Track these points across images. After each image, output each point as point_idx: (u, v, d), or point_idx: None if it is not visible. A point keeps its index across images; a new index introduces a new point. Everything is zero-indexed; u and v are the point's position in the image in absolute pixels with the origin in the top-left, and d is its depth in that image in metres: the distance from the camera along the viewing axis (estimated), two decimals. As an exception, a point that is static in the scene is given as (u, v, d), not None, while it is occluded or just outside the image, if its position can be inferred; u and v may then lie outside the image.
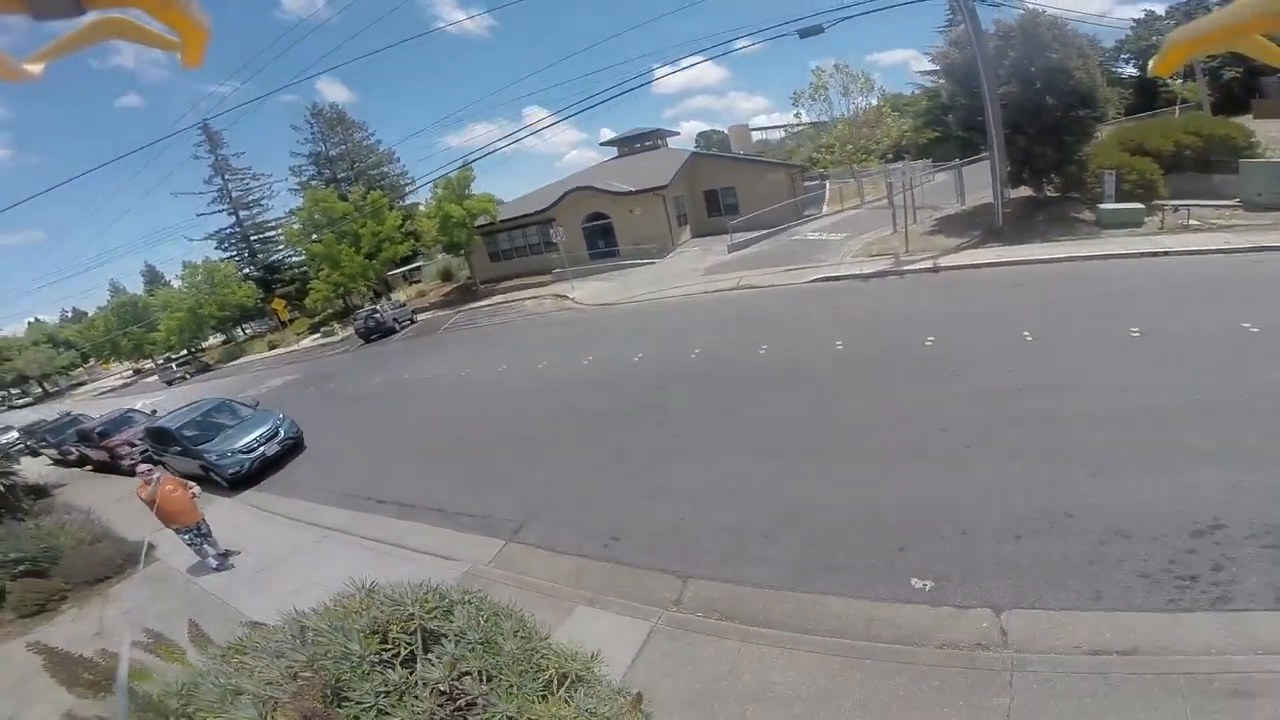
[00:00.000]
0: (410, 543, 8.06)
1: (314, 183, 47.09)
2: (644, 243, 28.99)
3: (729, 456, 7.98)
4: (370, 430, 14.12)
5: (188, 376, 42.18)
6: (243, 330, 53.46)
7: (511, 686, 2.23)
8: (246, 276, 46.89)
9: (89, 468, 19.76)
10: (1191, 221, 15.48)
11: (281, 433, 13.10)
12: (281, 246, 48.60)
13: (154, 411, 19.18)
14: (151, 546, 10.04)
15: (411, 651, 2.31)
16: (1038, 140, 17.37)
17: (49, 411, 46.75)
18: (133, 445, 16.74)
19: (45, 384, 63.01)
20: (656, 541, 6.58)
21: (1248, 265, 11.32)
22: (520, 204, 35.23)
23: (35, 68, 0.81)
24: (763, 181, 31.12)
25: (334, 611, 2.50)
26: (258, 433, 12.75)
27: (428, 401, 15.02)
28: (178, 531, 8.34)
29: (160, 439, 13.91)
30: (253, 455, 12.31)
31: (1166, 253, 13.13)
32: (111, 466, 17.40)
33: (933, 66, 45.68)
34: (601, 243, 30.61)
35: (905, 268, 15.44)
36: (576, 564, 6.61)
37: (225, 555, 8.64)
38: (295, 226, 35.73)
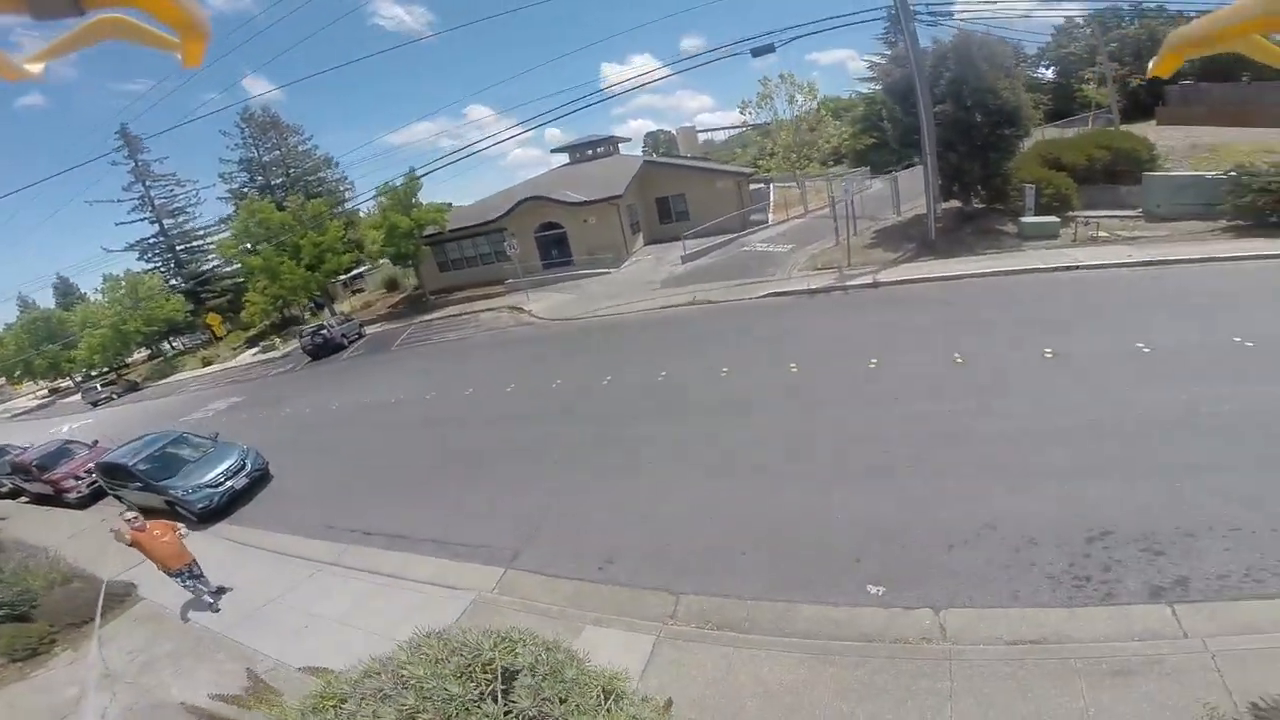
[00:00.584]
0: (410, 573, 8.43)
1: (246, 190, 45.40)
2: (599, 252, 29.63)
3: (702, 481, 8.80)
4: (338, 460, 14.10)
5: (114, 397, 39.94)
6: (171, 345, 50.86)
7: (578, 706, 2.94)
8: (174, 289, 44.68)
9: (24, 499, 18.97)
10: (1100, 233, 17.45)
11: (248, 465, 13.17)
12: (212, 257, 46.51)
13: (95, 442, 18.45)
14: (134, 586, 10.24)
15: (493, 688, 2.98)
16: (968, 158, 19.05)
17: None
18: (79, 478, 16.48)
19: (-60, 409, 57.98)
20: (646, 563, 7.33)
21: (1145, 281, 13.05)
22: (471, 212, 35.20)
23: (35, 67, 0.85)
24: (712, 189, 32.32)
25: (422, 657, 3.13)
26: (224, 466, 12.83)
27: (395, 430, 15.08)
28: (169, 574, 8.44)
29: (115, 474, 13.73)
30: (221, 489, 12.43)
31: (1077, 266, 14.84)
32: (52, 499, 17.00)
33: (870, 74, 48.22)
34: (555, 252, 31.04)
35: (848, 283, 16.74)
36: (576, 587, 7.27)
37: (219, 593, 8.83)
38: (227, 236, 34.49)
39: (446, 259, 34.34)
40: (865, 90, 45.75)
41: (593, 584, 7.24)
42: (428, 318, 30.02)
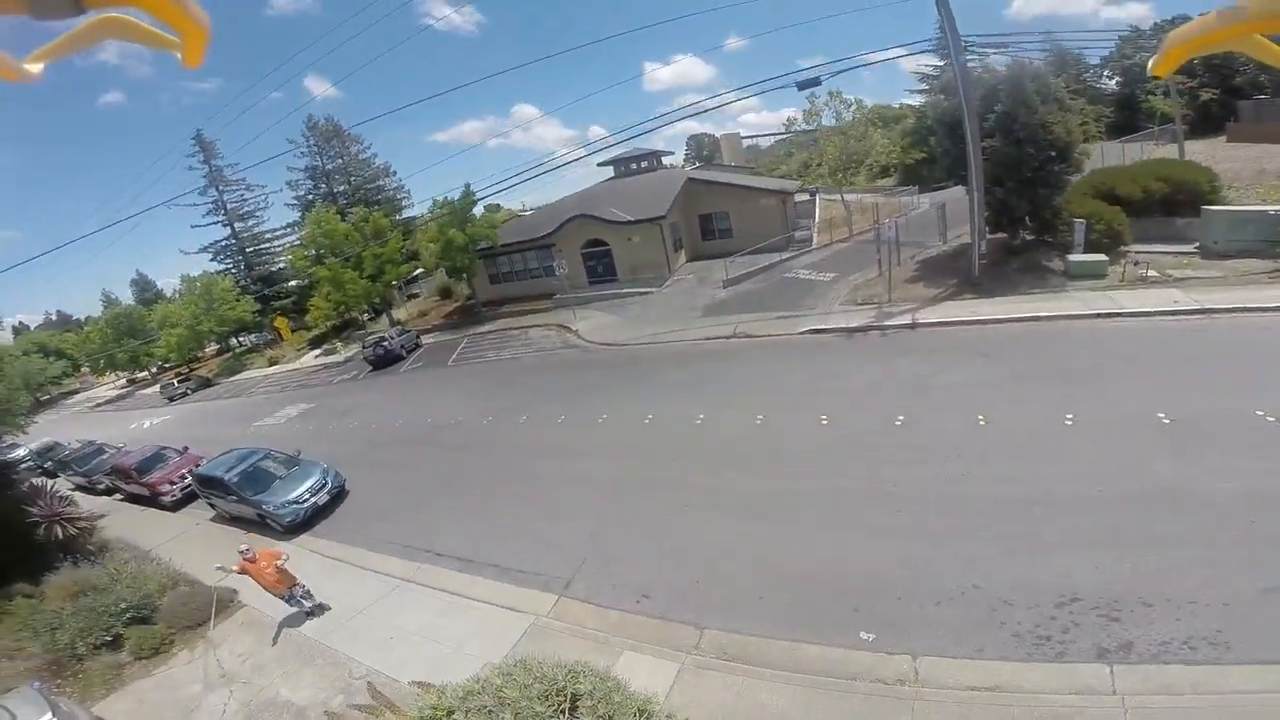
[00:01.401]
0: (475, 594, 9.99)
1: (311, 196, 48.98)
2: (642, 270, 31.18)
3: (731, 526, 10.13)
4: (406, 479, 15.89)
5: (189, 393, 43.89)
6: (239, 341, 55.23)
7: (625, 725, 4.43)
8: (244, 290, 48.68)
9: (118, 497, 21.75)
10: (1150, 273, 17.75)
11: (329, 483, 15.04)
12: (280, 260, 50.38)
13: (185, 449, 20.92)
14: (235, 593, 12.01)
15: (562, 708, 4.49)
16: (1015, 193, 19.54)
17: (50, 425, 48.40)
18: (173, 483, 19.00)
19: (37, 394, 64.49)
20: (678, 598, 8.77)
21: (1186, 335, 13.52)
22: (521, 226, 37.31)
23: (35, 67, 0.90)
24: (755, 206, 33.36)
25: (513, 682, 4.68)
26: (308, 484, 14.73)
27: (457, 453, 16.80)
28: (276, 595, 10.22)
29: (210, 485, 15.96)
30: (305, 505, 14.32)
31: (1119, 313, 15.38)
32: (146, 500, 19.54)
33: (920, 87, 47.90)
34: (600, 269, 32.76)
35: (886, 322, 17.70)
36: (618, 616, 8.75)
37: (318, 609, 10.54)
38: (297, 245, 37.68)
39: (498, 271, 36.56)
40: (914, 103, 45.67)
41: (631, 615, 8.71)
42: (480, 330, 32.18)
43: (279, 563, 10.00)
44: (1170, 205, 21.32)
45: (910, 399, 12.87)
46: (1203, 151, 28.31)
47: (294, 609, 10.53)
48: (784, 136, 51.96)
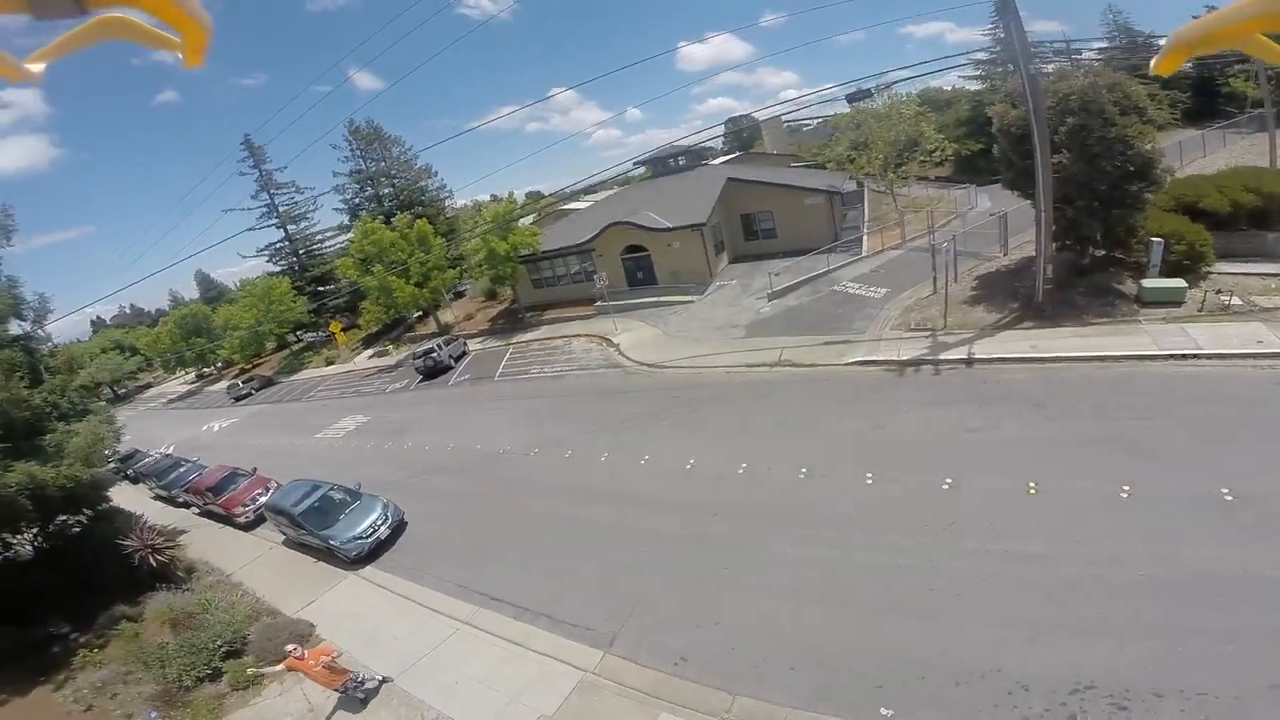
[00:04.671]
0: (532, 644, 10.57)
1: (357, 200, 49.66)
2: (683, 276, 30.63)
3: (768, 593, 10.25)
4: (461, 513, 16.52)
5: (252, 392, 45.92)
6: (297, 338, 57.10)
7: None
8: (299, 290, 50.06)
9: (194, 511, 23.11)
10: (1234, 301, 16.26)
11: (390, 518, 15.83)
12: (331, 261, 51.51)
13: (254, 470, 22.10)
14: (313, 626, 12.91)
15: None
16: (1086, 213, 17.93)
17: (127, 422, 51.36)
18: (245, 505, 20.28)
19: (116, 388, 68.57)
20: (713, 664, 9.15)
21: (1267, 386, 12.50)
22: (561, 231, 36.98)
23: (36, 67, 0.90)
24: (800, 207, 32.10)
25: None
26: (370, 519, 15.53)
27: (507, 487, 17.16)
28: (332, 690, 10.38)
29: (280, 514, 17.03)
30: (369, 540, 15.11)
31: (1196, 354, 14.17)
32: (221, 518, 20.83)
33: (975, 73, 44.61)
34: (640, 275, 32.37)
35: (941, 355, 16.85)
36: (657, 677, 9.27)
37: (383, 683, 10.63)
38: (346, 255, 38.39)
39: (541, 276, 36.58)
40: (970, 87, 42.70)
41: (670, 676, 9.20)
42: (524, 338, 32.41)
43: (328, 659, 10.23)
44: (1260, 218, 19.45)
45: (961, 458, 12.40)
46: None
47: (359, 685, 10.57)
48: (828, 118, 49.81)
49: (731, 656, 9.20)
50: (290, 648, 10.49)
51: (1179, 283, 17.19)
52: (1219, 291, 16.69)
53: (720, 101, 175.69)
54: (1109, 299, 17.97)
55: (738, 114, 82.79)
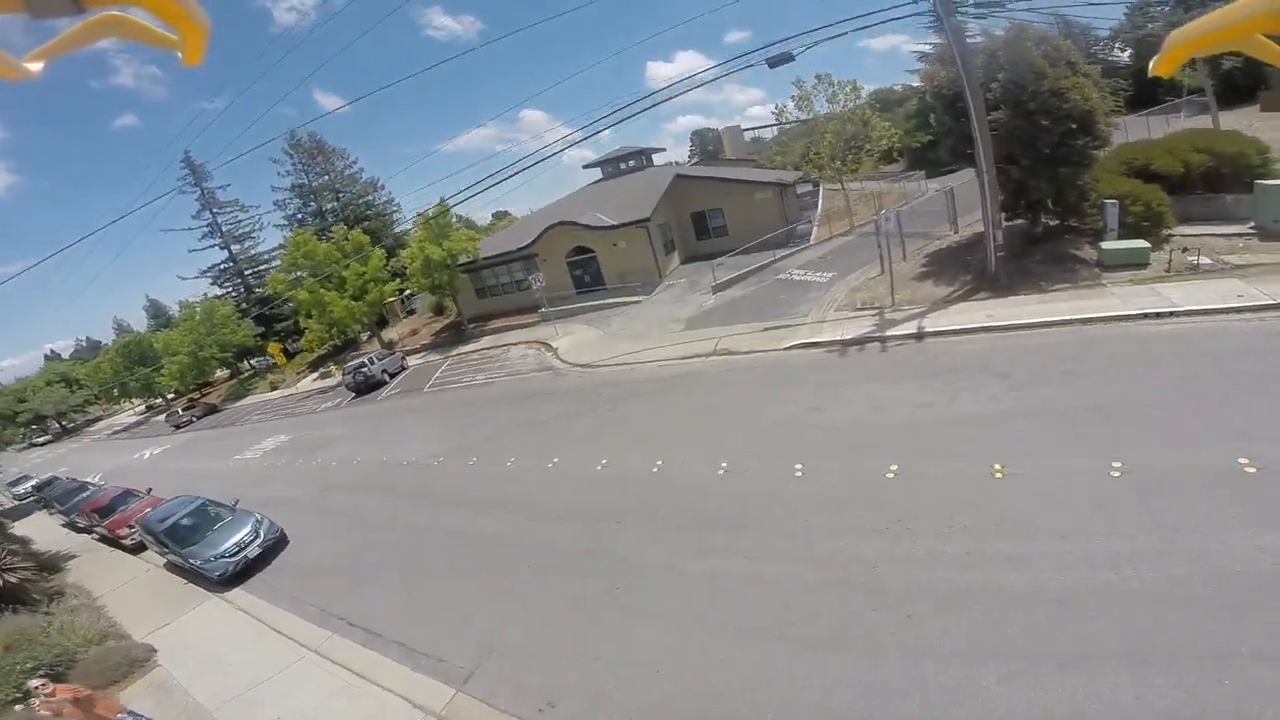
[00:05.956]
0: (376, 676, 8.48)
1: (299, 215, 46.84)
2: (631, 276, 28.33)
3: (664, 620, 7.66)
4: (345, 529, 14.15)
5: (194, 420, 42.55)
6: (249, 364, 53.65)
7: None
8: (244, 313, 46.85)
9: (95, 537, 20.25)
10: (1202, 260, 14.40)
11: (261, 535, 13.79)
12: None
13: (149, 490, 19.80)
14: (154, 651, 10.99)
15: None
16: (1031, 172, 16.25)
17: (71, 453, 47.60)
18: (130, 527, 17.59)
19: (63, 421, 64.15)
20: (584, 711, 6.71)
21: (1261, 339, 10.35)
22: (504, 239, 34.63)
23: (35, 66, 0.82)
24: (751, 201, 30.23)
25: None
26: (239, 536, 13.55)
27: (398, 500, 14.76)
28: None
29: (149, 533, 14.99)
30: (236, 559, 13.18)
31: (1171, 313, 12.14)
32: (110, 539, 18.36)
33: (920, 66, 43.87)
34: (587, 277, 30.00)
35: (888, 331, 14.61)
36: None
37: None
38: (278, 272, 35.52)
39: (484, 285, 34.00)
40: (917, 83, 41.71)
41: None
42: (464, 349, 29.75)
43: (76, 696, 7.89)
44: (1214, 181, 17.86)
45: (909, 440, 9.93)
46: (1236, 123, 24.69)
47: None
48: (787, 126, 48.61)
49: (609, 702, 6.66)
50: (35, 684, 8.05)
51: (1142, 243, 15.33)
52: (1185, 250, 14.83)
53: (690, 119, 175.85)
54: (1068, 265, 15.98)
55: (702, 129, 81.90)
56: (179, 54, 0.86)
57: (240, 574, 13.07)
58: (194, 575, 13.69)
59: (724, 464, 10.89)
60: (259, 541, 13.64)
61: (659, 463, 11.73)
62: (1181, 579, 5.91)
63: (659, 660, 7.01)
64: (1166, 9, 38.83)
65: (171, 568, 14.99)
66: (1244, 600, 5.47)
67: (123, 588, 15.10)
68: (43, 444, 62.32)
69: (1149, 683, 5.02)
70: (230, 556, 13.19)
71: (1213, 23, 0.83)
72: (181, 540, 13.94)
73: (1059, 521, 7.16)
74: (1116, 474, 7.65)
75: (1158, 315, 12.29)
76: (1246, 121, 25.95)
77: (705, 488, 10.42)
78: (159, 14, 0.78)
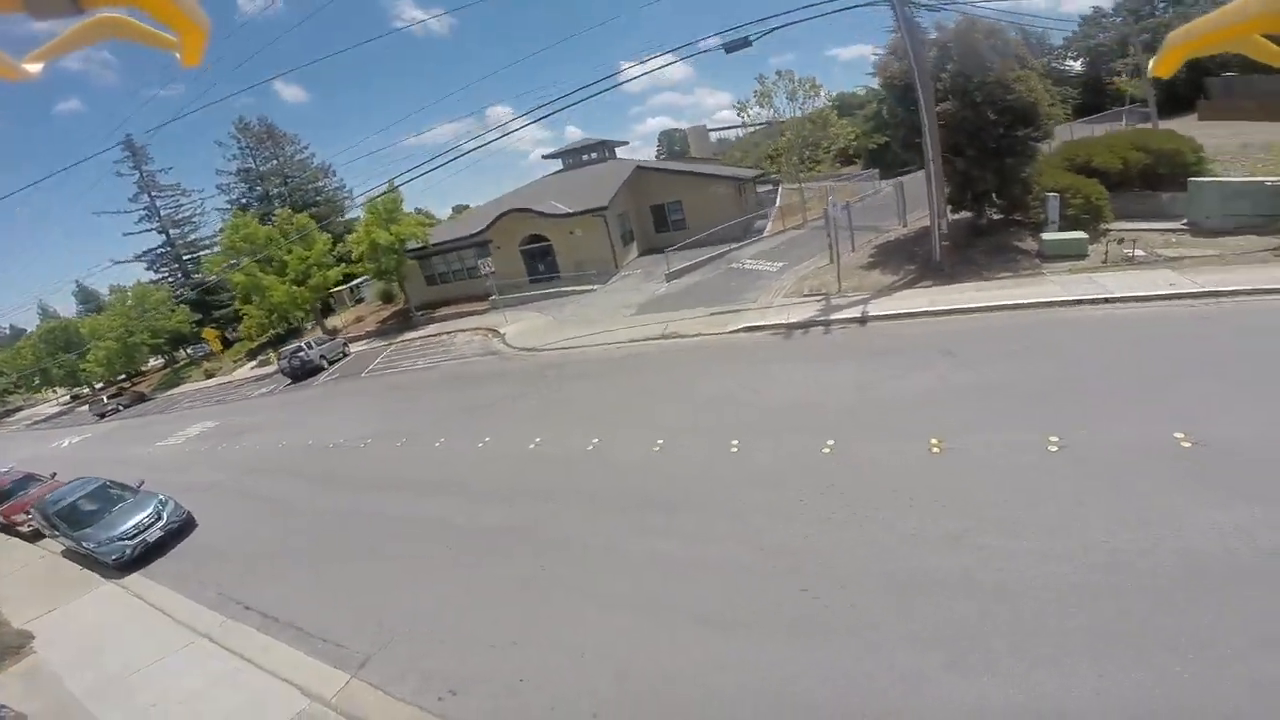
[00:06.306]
0: (266, 661, 7.79)
1: (245, 200, 44.64)
2: (586, 265, 27.64)
3: (588, 603, 7.01)
4: (258, 514, 13.20)
5: (120, 408, 39.93)
6: (186, 353, 50.81)
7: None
8: (180, 300, 44.30)
9: None
10: (1137, 253, 14.66)
11: (164, 517, 12.78)
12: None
13: (54, 475, 18.37)
14: (31, 637, 10.12)
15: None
16: (977, 163, 16.33)
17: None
18: (28, 513, 16.05)
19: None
20: (489, 703, 6.04)
21: (1193, 323, 10.38)
22: (458, 223, 33.54)
23: (34, 67, 0.82)
24: (708, 195, 29.96)
25: None
26: (138, 518, 12.57)
27: (317, 484, 13.77)
28: None
29: (45, 518, 13.86)
30: (134, 542, 12.21)
31: (1108, 299, 12.18)
32: (4, 526, 16.79)
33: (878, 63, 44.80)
34: (541, 266, 29.18)
35: (833, 315, 14.35)
36: (411, 714, 6.21)
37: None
38: (215, 254, 33.60)
39: (434, 272, 32.81)
40: (876, 84, 42.51)
41: (425, 713, 6.14)
42: (409, 336, 28.56)
43: None
44: (1152, 179, 18.35)
45: (846, 416, 9.58)
46: (1176, 129, 25.48)
47: None
48: (753, 129, 48.80)
49: (520, 693, 5.96)
50: None
51: (1080, 234, 15.51)
52: (1120, 241, 15.08)
53: (659, 120, 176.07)
54: (1010, 255, 16.06)
55: (670, 129, 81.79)
56: (177, 55, 0.85)
57: (140, 559, 12.09)
58: (91, 561, 12.58)
59: (660, 441, 10.34)
60: (161, 524, 12.63)
61: (595, 440, 11.12)
62: (1122, 549, 5.59)
63: (581, 645, 6.35)
64: (1119, 19, 40.26)
65: (70, 555, 13.80)
66: (1210, 576, 5.12)
67: (13, 575, 13.88)
68: (-46, 436, 57.86)
69: (1119, 667, 4.60)
70: (128, 539, 12.18)
71: (1212, 23, 0.83)
72: (76, 523, 12.93)
73: (999, 495, 6.82)
74: (1054, 449, 7.38)
75: (1094, 302, 12.31)
76: (1186, 129, 26.94)
77: (641, 466, 9.86)
78: (157, 15, 0.77)
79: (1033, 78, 16.36)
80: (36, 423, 50.67)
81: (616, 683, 5.77)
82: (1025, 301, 12.83)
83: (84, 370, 46.57)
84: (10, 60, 0.77)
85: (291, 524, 12.11)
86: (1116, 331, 10.69)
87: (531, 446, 11.79)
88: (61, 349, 46.27)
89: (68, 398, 56.20)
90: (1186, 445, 6.82)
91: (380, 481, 12.73)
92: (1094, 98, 37.58)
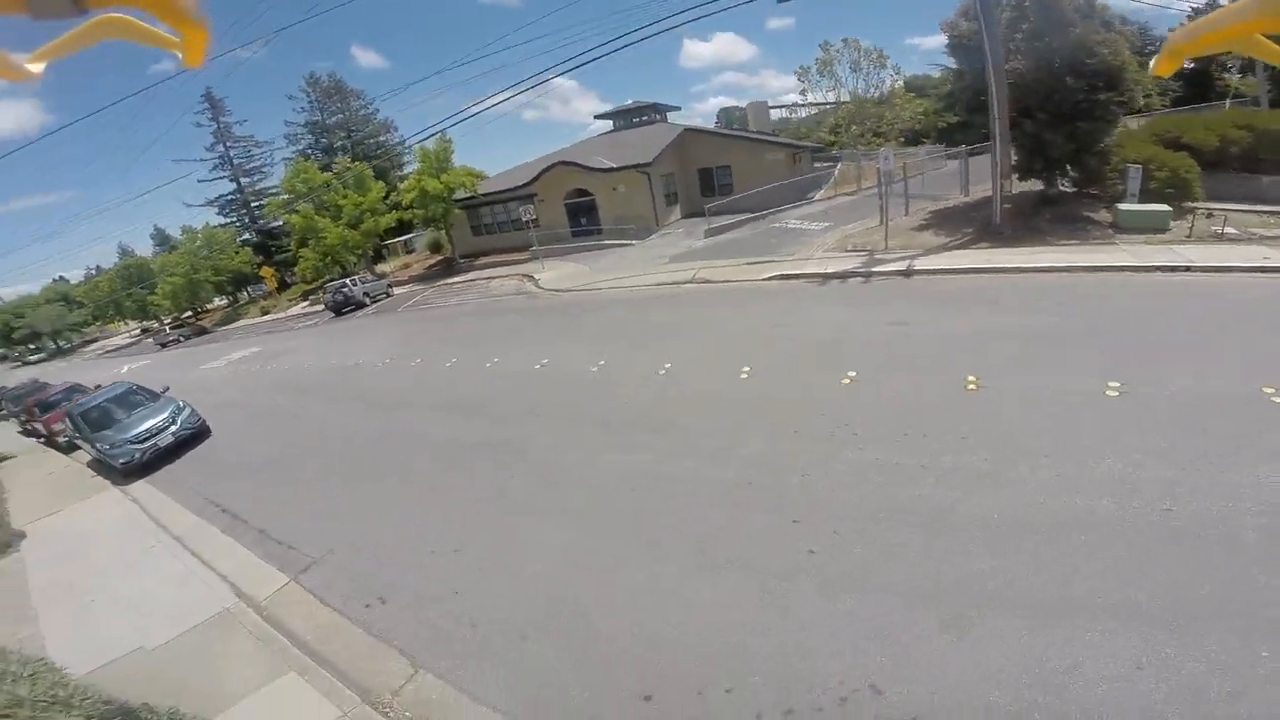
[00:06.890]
0: (218, 563, 7.57)
1: (310, 152, 46.08)
2: (627, 222, 27.20)
3: (551, 519, 6.57)
4: (269, 427, 13.28)
5: (181, 340, 42.11)
6: (247, 293, 53.21)
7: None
8: (245, 242, 46.27)
9: (40, 440, 19.01)
10: (1228, 230, 13.09)
11: (178, 423, 12.67)
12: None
13: (98, 387, 18.50)
14: (22, 537, 10.12)
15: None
16: (1049, 126, 14.88)
17: (59, 370, 47.34)
18: (64, 423, 16.25)
19: (59, 340, 64.14)
20: (415, 612, 5.61)
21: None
22: (505, 177, 33.60)
23: (36, 67, 0.82)
24: (760, 161, 28.95)
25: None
26: (152, 422, 12.44)
27: (334, 400, 13.88)
28: None
29: (71, 422, 13.89)
30: (144, 445, 12.03)
31: (1188, 267, 10.89)
32: (46, 436, 17.24)
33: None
34: (584, 220, 28.90)
35: (875, 268, 13.45)
36: (332, 620, 5.83)
37: None
38: (281, 197, 34.78)
39: (480, 223, 33.08)
40: (951, 64, 40.20)
41: (348, 623, 5.71)
42: (450, 280, 28.93)
43: None
44: (1252, 162, 16.41)
45: (875, 352, 8.86)
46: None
47: None
48: (822, 106, 47.10)
49: (450, 604, 5.51)
50: None
51: (1162, 207, 13.99)
52: (1210, 216, 13.56)
53: (719, 100, 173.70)
54: (1079, 225, 14.69)
55: (729, 106, 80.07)
56: (179, 55, 0.84)
57: (148, 465, 11.95)
58: (109, 469, 12.46)
59: (666, 365, 9.92)
60: (174, 430, 12.53)
61: (601, 362, 10.81)
62: (1206, 507, 4.62)
63: (534, 563, 5.83)
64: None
65: (94, 465, 13.73)
66: (1221, 532, 4.34)
67: (35, 483, 13.96)
68: (35, 362, 62.24)
69: (1071, 626, 3.90)
70: (139, 443, 12.06)
71: (1213, 23, 0.81)
72: (95, 425, 12.91)
73: (1039, 437, 5.97)
74: (1114, 393, 6.48)
75: (1171, 268, 11.05)
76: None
77: (643, 386, 9.48)
78: (160, 16, 0.76)
79: (1120, 41, 14.80)
80: (108, 352, 54.16)
81: (551, 604, 5.23)
82: (1092, 264, 11.66)
83: (153, 304, 49.35)
84: (13, 61, 0.77)
85: (298, 436, 12.06)
86: (1195, 299, 9.44)
87: (538, 367, 11.56)
88: (135, 284, 49.15)
89: (138, 330, 59.79)
90: (1278, 400, 5.84)
91: (385, 397, 12.78)
92: (1198, 92, 34.37)
